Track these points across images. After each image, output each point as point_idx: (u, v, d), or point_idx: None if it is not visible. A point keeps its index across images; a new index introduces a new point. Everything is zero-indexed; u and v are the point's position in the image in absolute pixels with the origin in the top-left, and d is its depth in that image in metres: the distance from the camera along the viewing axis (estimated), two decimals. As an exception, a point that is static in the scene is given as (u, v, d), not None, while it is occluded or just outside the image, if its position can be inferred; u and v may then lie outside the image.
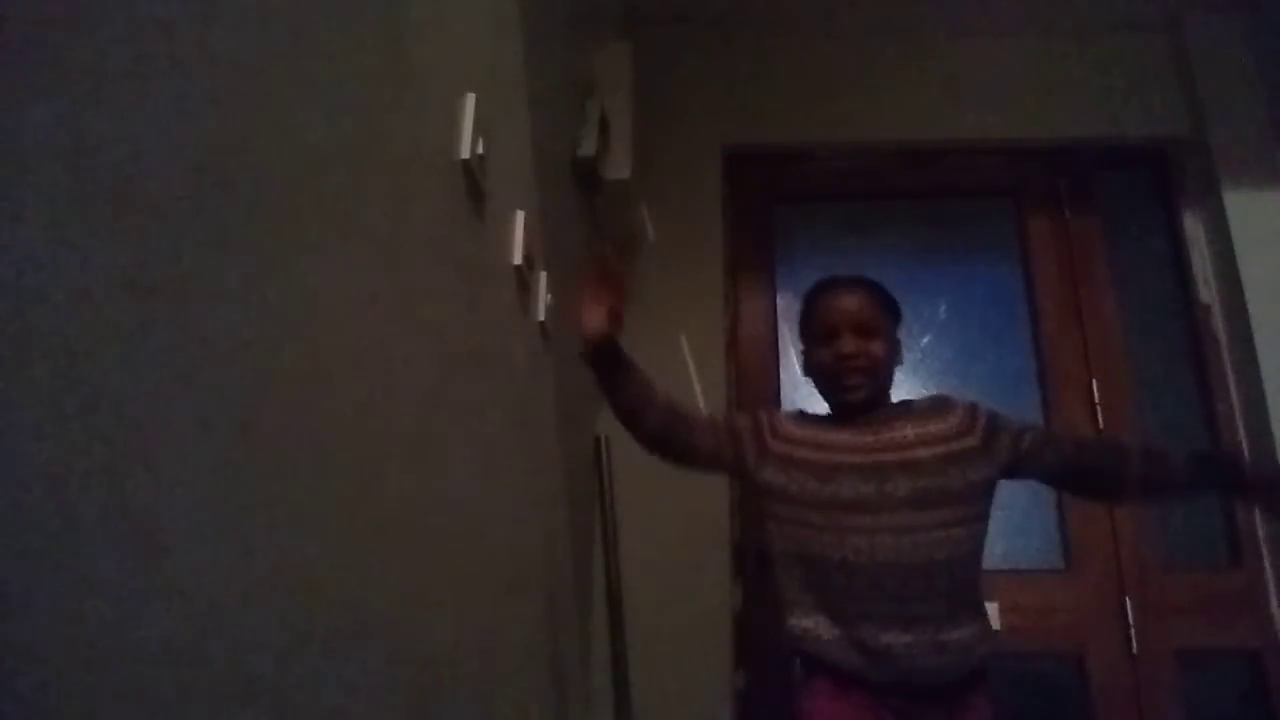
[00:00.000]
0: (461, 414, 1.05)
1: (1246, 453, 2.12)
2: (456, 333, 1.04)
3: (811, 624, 1.23)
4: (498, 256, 1.26)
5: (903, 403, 1.36)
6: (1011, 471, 1.31)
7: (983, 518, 1.29)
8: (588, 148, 1.90)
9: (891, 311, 1.39)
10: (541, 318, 1.49)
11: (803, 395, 2.31)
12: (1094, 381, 2.21)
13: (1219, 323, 2.24)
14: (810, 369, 1.40)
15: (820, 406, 1.40)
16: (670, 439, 1.38)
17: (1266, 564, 2.05)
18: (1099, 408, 2.19)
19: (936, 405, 1.35)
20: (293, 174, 0.63)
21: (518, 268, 1.32)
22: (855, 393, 1.31)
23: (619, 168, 2.06)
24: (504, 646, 1.23)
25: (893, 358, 1.37)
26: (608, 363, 1.36)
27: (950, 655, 1.19)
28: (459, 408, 1.04)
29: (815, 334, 1.37)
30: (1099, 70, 2.43)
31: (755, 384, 2.30)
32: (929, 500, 1.23)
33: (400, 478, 0.84)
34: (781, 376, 2.32)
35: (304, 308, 0.64)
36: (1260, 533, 2.08)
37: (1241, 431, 2.15)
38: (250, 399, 0.56)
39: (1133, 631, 2.01)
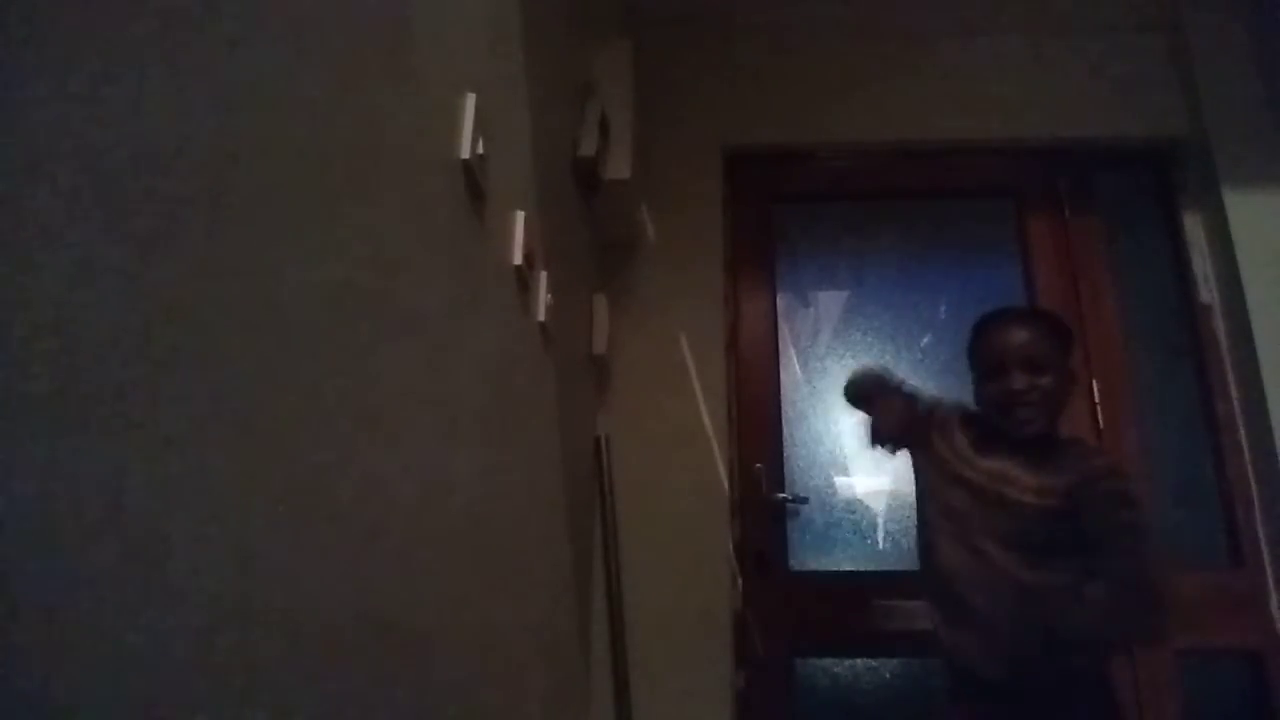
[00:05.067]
0: (461, 414, 1.05)
1: (1246, 451, 2.12)
2: (456, 333, 1.04)
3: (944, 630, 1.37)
4: (498, 256, 1.26)
5: (1064, 441, 1.38)
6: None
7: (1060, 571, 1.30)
8: (588, 148, 1.90)
9: (1062, 342, 1.39)
10: (541, 318, 1.49)
11: (803, 395, 2.31)
12: (1094, 381, 2.21)
13: (1219, 323, 2.24)
14: (981, 401, 1.43)
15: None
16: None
17: (1266, 564, 2.05)
18: (1099, 408, 2.19)
19: (1072, 452, 1.34)
20: (293, 174, 0.63)
21: (518, 268, 1.32)
22: (1026, 428, 1.33)
23: (619, 168, 2.06)
24: (504, 646, 1.23)
25: (1066, 390, 1.37)
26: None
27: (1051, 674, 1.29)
28: (458, 407, 1.04)
29: (983, 367, 1.40)
30: (1099, 70, 2.43)
31: (755, 384, 2.30)
32: (1011, 541, 1.30)
33: (400, 477, 0.84)
34: (781, 377, 2.31)
35: (304, 307, 0.64)
36: (1260, 533, 2.08)
37: (1241, 431, 2.14)
38: (250, 399, 0.56)
39: (1133, 631, 2.01)
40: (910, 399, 1.52)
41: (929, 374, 2.28)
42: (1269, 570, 2.05)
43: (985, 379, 1.39)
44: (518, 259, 1.32)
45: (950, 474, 1.38)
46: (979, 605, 1.30)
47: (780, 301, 2.38)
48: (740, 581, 2.12)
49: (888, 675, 2.07)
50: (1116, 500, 1.26)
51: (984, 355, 1.40)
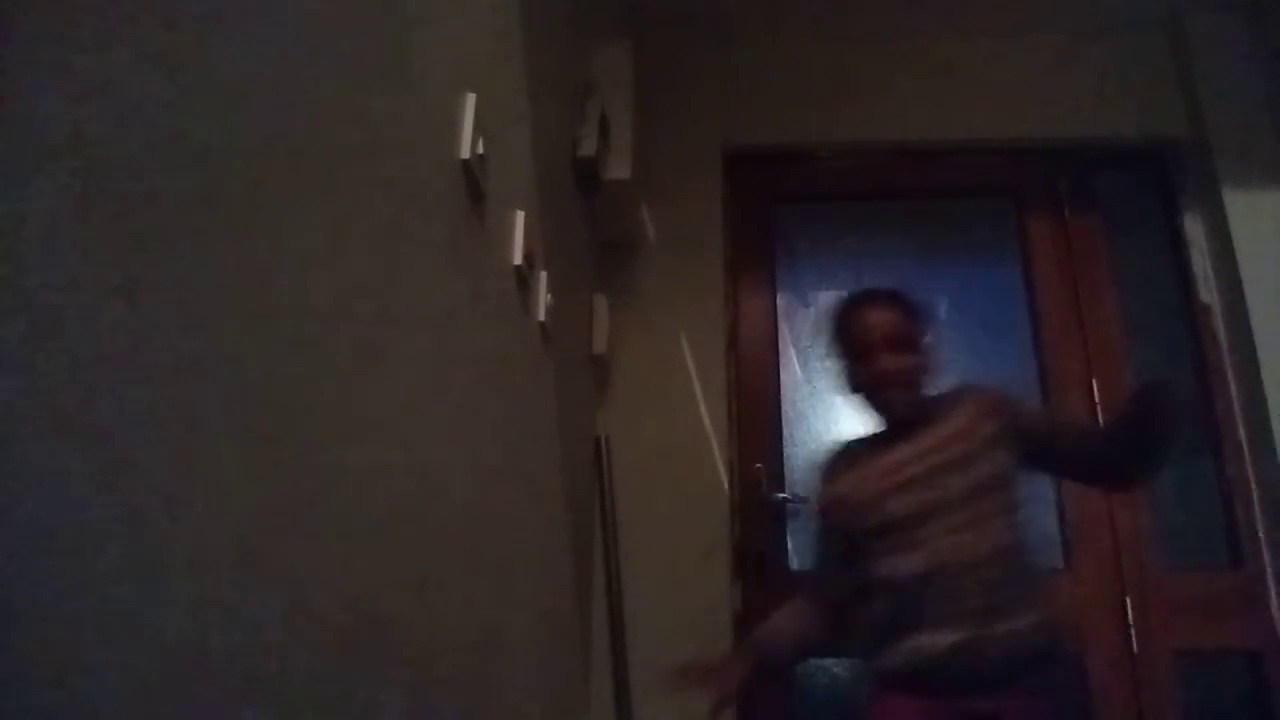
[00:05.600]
0: (461, 414, 1.05)
1: (1246, 451, 2.12)
2: (456, 333, 1.04)
3: (914, 643, 1.25)
4: (498, 256, 1.26)
5: (933, 399, 1.39)
6: (1027, 459, 1.34)
7: (1020, 506, 1.32)
8: (588, 148, 1.90)
9: (922, 319, 1.42)
10: (541, 318, 1.49)
11: (803, 395, 2.31)
12: (1094, 381, 2.21)
13: (1219, 323, 2.24)
14: (852, 386, 1.43)
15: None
16: (841, 605, 1.41)
17: (1266, 564, 2.05)
18: (1099, 408, 2.19)
19: (958, 395, 1.39)
20: (293, 174, 0.63)
21: (518, 268, 1.32)
22: (900, 408, 1.36)
23: (619, 168, 2.06)
24: (504, 646, 1.23)
25: (929, 366, 1.40)
26: (781, 668, 1.48)
27: (1023, 644, 1.21)
28: (459, 407, 1.04)
29: (850, 353, 1.40)
30: (1099, 70, 2.43)
31: (755, 384, 2.30)
32: (982, 489, 1.27)
33: (400, 477, 0.84)
34: (781, 377, 2.31)
35: (304, 307, 0.64)
36: (1260, 533, 2.08)
37: (1241, 431, 2.14)
38: (250, 399, 0.56)
39: (1133, 631, 2.01)
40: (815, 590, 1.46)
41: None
42: (1269, 570, 2.05)
43: (854, 362, 1.39)
44: (518, 259, 1.32)
45: (875, 494, 1.33)
46: (964, 586, 1.22)
47: (780, 301, 2.38)
48: (740, 581, 2.12)
49: (888, 675, 2.07)
50: (1027, 404, 1.36)
51: (850, 339, 1.40)
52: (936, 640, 1.22)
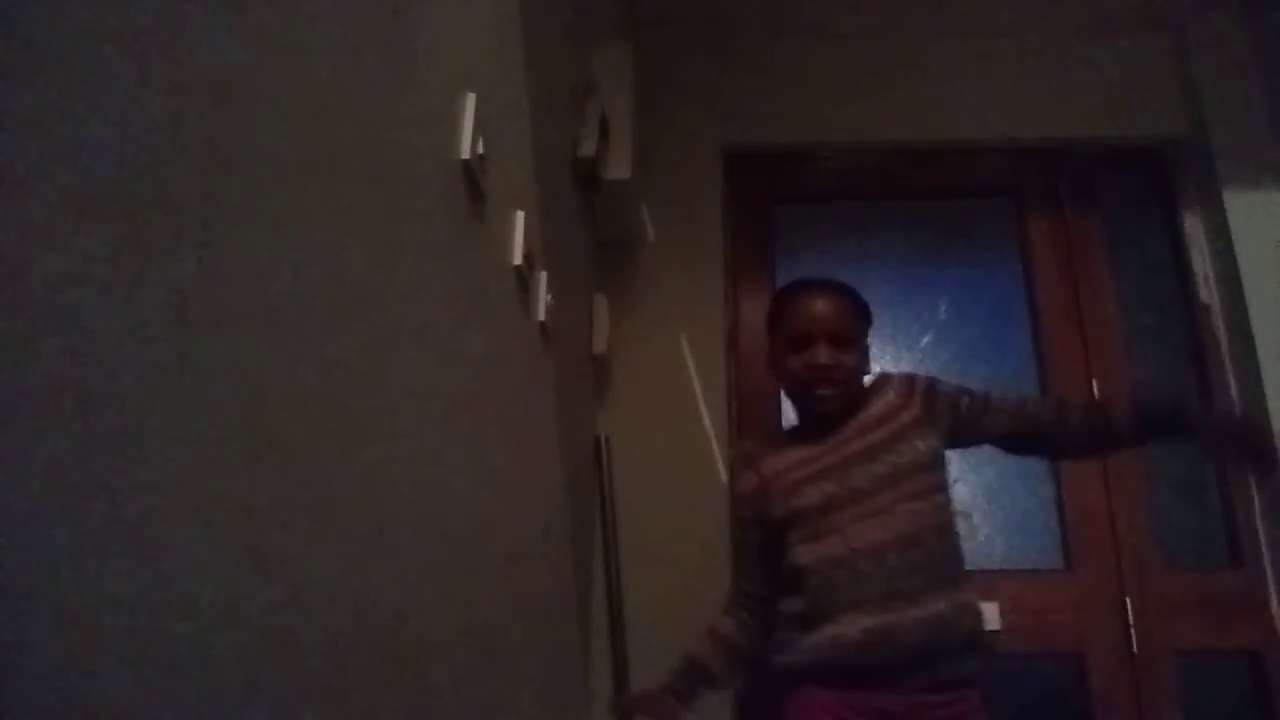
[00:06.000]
0: (461, 414, 1.05)
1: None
2: (456, 333, 1.04)
3: (822, 633, 1.23)
4: (498, 256, 1.26)
5: (855, 394, 1.37)
6: (954, 438, 1.34)
7: (944, 487, 1.30)
8: (588, 148, 1.90)
9: (865, 319, 1.39)
10: (541, 318, 1.49)
11: (803, 395, 2.31)
12: (1094, 381, 2.21)
13: (1219, 323, 2.24)
14: (779, 373, 1.39)
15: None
16: (768, 602, 1.38)
17: (1266, 564, 2.05)
18: (1099, 408, 2.19)
19: (877, 385, 1.37)
20: (293, 174, 0.63)
21: (518, 268, 1.32)
22: (825, 404, 1.33)
23: (619, 168, 2.06)
24: (503, 646, 1.23)
25: (864, 368, 1.38)
26: (700, 686, 1.42)
27: (934, 630, 1.19)
28: (459, 407, 1.04)
29: (787, 339, 1.36)
30: (1099, 70, 2.43)
31: (755, 384, 2.29)
32: (891, 477, 1.26)
33: (399, 477, 0.84)
34: (781, 376, 2.31)
35: (303, 307, 0.64)
36: (1260, 533, 2.08)
37: (1241, 431, 2.14)
38: (250, 399, 0.56)
39: (1133, 631, 2.01)
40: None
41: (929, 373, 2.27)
42: (1269, 570, 2.05)
43: (788, 350, 1.35)
44: (518, 259, 1.32)
45: (788, 485, 1.31)
46: (868, 573, 1.21)
47: (780, 301, 2.38)
48: (740, 581, 2.12)
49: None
50: (946, 385, 1.36)
51: (788, 326, 1.36)
52: (847, 629, 1.20)
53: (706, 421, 2.18)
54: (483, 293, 1.16)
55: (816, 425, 1.35)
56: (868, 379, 1.40)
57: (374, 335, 0.78)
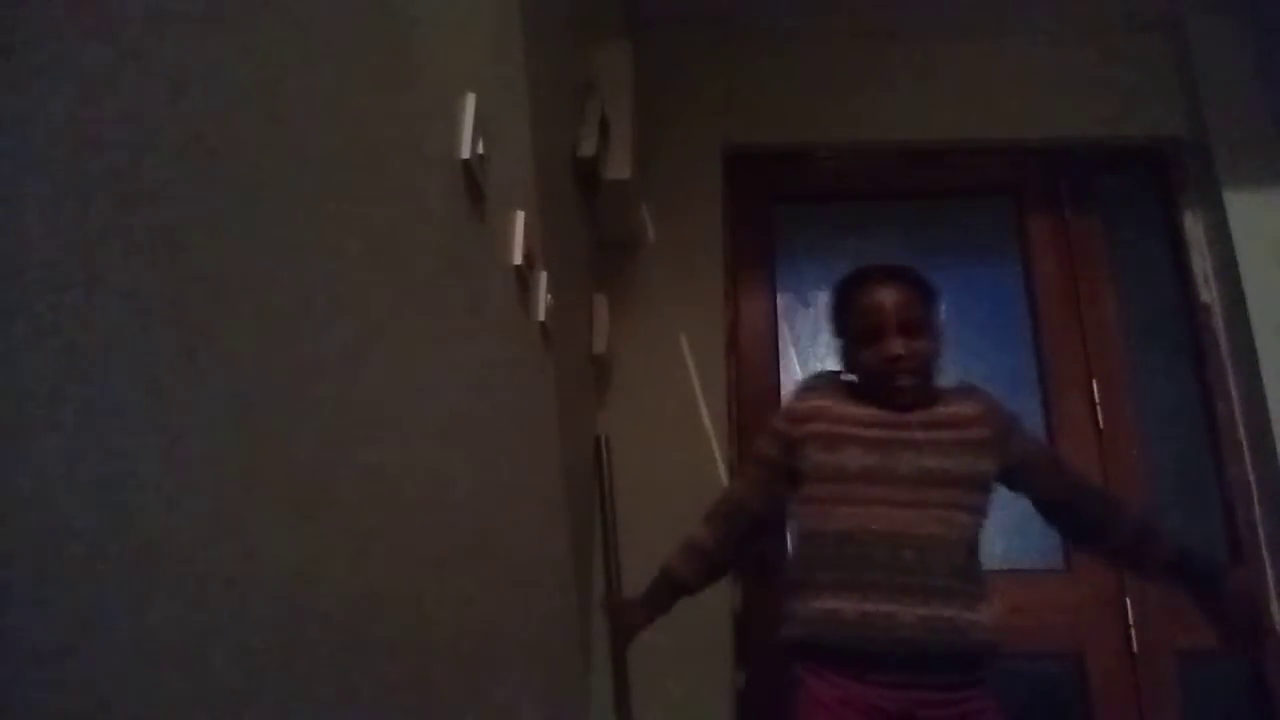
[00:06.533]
0: (461, 414, 1.05)
1: (1246, 451, 2.12)
2: (456, 333, 1.04)
3: (820, 605, 1.22)
4: (498, 256, 1.26)
5: (938, 389, 1.35)
6: (1009, 476, 1.32)
7: (983, 510, 1.29)
8: (588, 148, 1.90)
9: (933, 299, 1.36)
10: (541, 318, 1.49)
11: (803, 395, 2.31)
12: (1094, 381, 2.21)
13: (1219, 323, 2.24)
14: (853, 367, 1.35)
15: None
16: (747, 539, 1.39)
17: (1266, 564, 2.05)
18: (1099, 408, 2.19)
19: (961, 390, 1.35)
20: (293, 174, 0.63)
21: (518, 268, 1.32)
22: (906, 395, 1.29)
23: (619, 168, 2.06)
24: (504, 646, 1.23)
25: (939, 349, 1.34)
26: (671, 598, 1.43)
27: (936, 634, 1.17)
28: (458, 407, 1.04)
29: (855, 334, 1.33)
30: (1099, 70, 2.43)
31: (755, 384, 2.30)
32: (932, 479, 1.23)
33: (399, 477, 0.84)
34: (781, 377, 2.31)
35: (303, 307, 0.64)
36: (1260, 533, 2.08)
37: (1241, 431, 2.14)
38: (250, 399, 0.56)
39: (1133, 631, 2.01)
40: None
41: (929, 374, 2.27)
42: (1269, 570, 2.05)
43: (858, 344, 1.32)
44: (518, 259, 1.32)
45: (839, 435, 1.27)
46: (879, 557, 1.20)
47: (780, 301, 2.38)
48: (740, 581, 2.12)
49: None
50: (1028, 432, 1.36)
51: (855, 321, 1.32)
52: (845, 607, 1.18)
53: (706, 421, 2.18)
54: (483, 293, 1.16)
55: (892, 403, 1.30)
56: (954, 382, 1.38)
57: (373, 335, 0.78)
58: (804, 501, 1.29)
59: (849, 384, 1.37)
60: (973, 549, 1.27)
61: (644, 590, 1.45)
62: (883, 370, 1.29)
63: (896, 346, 1.27)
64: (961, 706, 1.19)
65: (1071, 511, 1.34)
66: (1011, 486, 1.35)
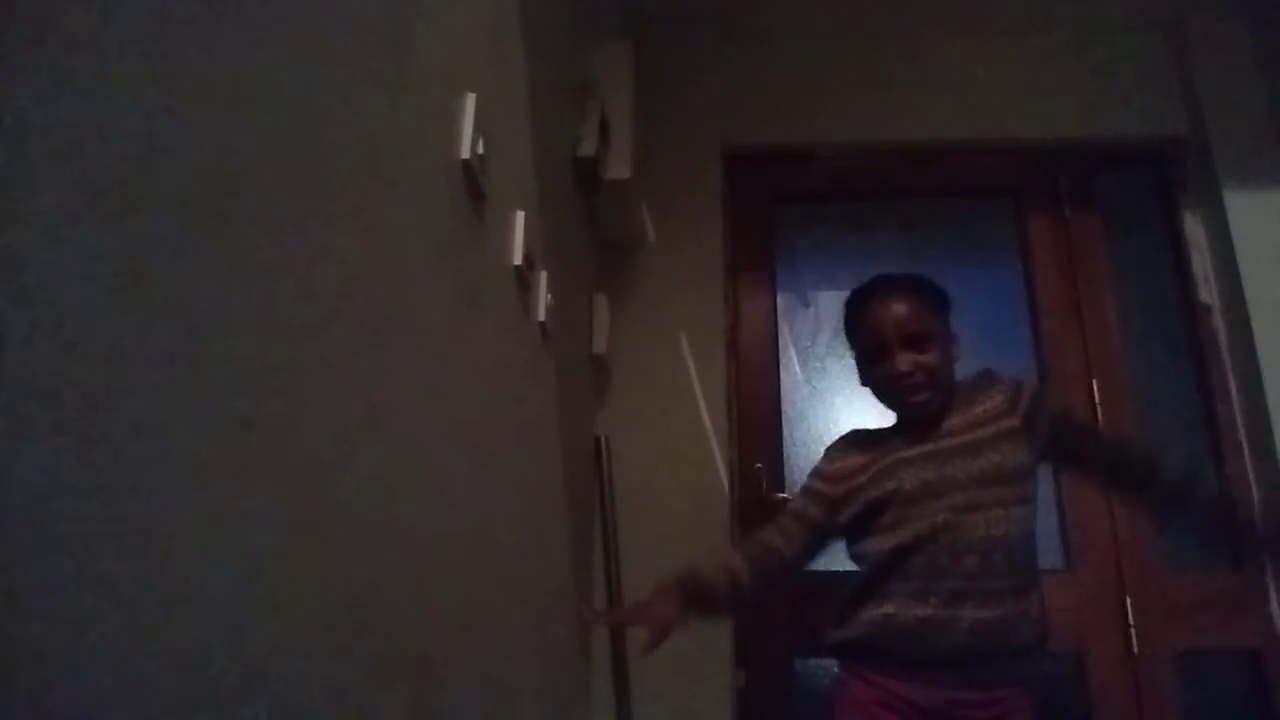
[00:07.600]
0: (461, 414, 1.05)
1: (1246, 451, 2.12)
2: (456, 333, 1.04)
3: (881, 611, 1.22)
4: (498, 256, 1.26)
5: (953, 388, 1.34)
6: (1052, 454, 1.31)
7: (1035, 498, 1.28)
8: (588, 148, 1.90)
9: (941, 307, 1.34)
10: (541, 318, 1.49)
11: (803, 395, 2.31)
12: (1094, 381, 2.21)
13: (1219, 323, 2.24)
14: (868, 383, 1.36)
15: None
16: (778, 576, 1.34)
17: (1266, 564, 2.05)
18: (1099, 408, 2.19)
19: (983, 382, 1.33)
20: (293, 174, 0.63)
21: (518, 268, 1.32)
22: (921, 409, 1.28)
23: (619, 168, 2.06)
24: (504, 646, 1.23)
25: (951, 357, 1.32)
26: (713, 603, 1.35)
27: (989, 634, 1.18)
28: (459, 407, 1.04)
29: (863, 351, 1.33)
30: (1099, 70, 2.43)
31: (755, 384, 2.29)
32: (988, 478, 1.23)
33: (400, 478, 0.84)
34: (781, 377, 2.31)
35: (303, 307, 0.64)
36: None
37: (1241, 431, 2.14)
38: (250, 399, 0.56)
39: (1133, 631, 2.01)
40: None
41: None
42: (1269, 570, 2.05)
43: (869, 361, 1.32)
44: (518, 259, 1.32)
45: (888, 467, 1.27)
46: (941, 565, 1.20)
47: (780, 301, 2.38)
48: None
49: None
50: (1058, 404, 1.35)
51: (861, 338, 1.33)
52: (904, 612, 1.19)
53: (706, 421, 2.18)
54: (483, 293, 1.16)
55: (917, 421, 1.30)
56: (973, 374, 1.36)
57: (374, 335, 0.78)
58: (866, 533, 1.28)
59: (868, 431, 1.38)
60: (1031, 538, 1.27)
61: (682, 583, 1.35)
62: (893, 387, 1.29)
63: (902, 363, 1.27)
64: (997, 708, 1.20)
65: (1115, 468, 1.34)
66: (1051, 462, 1.34)
